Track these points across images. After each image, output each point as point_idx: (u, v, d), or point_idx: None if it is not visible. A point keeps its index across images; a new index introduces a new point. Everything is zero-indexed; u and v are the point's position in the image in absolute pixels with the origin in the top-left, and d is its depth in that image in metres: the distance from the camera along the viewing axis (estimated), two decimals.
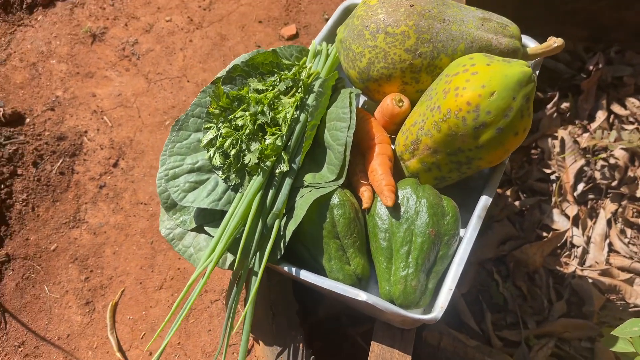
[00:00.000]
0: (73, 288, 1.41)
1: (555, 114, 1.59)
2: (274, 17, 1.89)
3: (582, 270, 1.37)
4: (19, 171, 1.56)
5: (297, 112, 0.88)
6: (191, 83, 1.75)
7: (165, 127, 1.67)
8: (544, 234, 1.40)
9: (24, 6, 1.95)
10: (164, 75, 1.77)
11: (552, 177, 1.49)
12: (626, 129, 1.56)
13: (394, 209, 0.81)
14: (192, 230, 0.86)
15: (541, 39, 1.77)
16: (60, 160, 1.59)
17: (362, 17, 0.92)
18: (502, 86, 0.74)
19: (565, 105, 1.59)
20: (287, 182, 0.83)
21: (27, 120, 1.67)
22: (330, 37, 1.10)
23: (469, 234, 0.81)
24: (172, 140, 0.87)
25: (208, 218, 0.85)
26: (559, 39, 0.93)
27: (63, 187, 1.56)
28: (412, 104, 0.93)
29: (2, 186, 1.52)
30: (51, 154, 1.60)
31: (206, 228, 0.84)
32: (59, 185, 1.56)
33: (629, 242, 1.42)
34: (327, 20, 1.87)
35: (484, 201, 0.83)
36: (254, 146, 0.82)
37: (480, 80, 0.75)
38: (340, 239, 0.81)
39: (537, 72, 0.97)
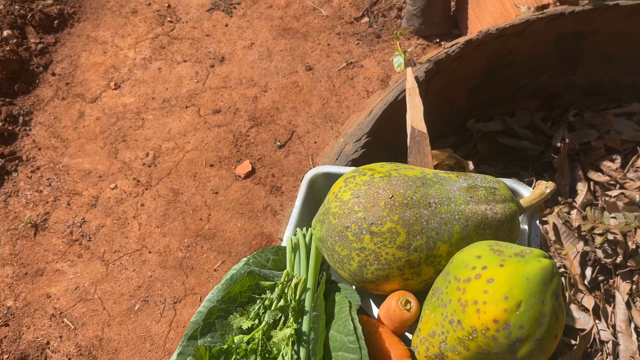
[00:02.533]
0: None
1: None
2: (224, 157, 1.79)
3: None
4: None
5: (295, 349, 0.75)
6: (153, 253, 1.60)
7: (135, 312, 1.50)
8: (572, 341, 1.29)
9: None
10: (122, 252, 1.61)
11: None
12: (610, 196, 1.52)
13: None
14: None
15: (497, 120, 1.74)
16: None
17: (339, 215, 0.82)
18: (527, 293, 0.65)
19: None
20: None
21: None
22: (303, 218, 1.00)
23: None
24: None
25: None
26: (550, 183, 0.86)
27: None
28: (418, 294, 0.82)
29: None
30: None
31: None
32: None
33: None
34: (280, 147, 1.79)
35: None
36: None
37: (500, 291, 0.65)
38: None
39: (538, 221, 0.89)
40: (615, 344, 1.31)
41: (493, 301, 0.65)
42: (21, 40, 2.13)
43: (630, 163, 1.59)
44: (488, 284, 0.67)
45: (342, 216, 0.81)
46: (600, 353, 1.31)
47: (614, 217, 1.41)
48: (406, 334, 0.86)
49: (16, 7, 2.20)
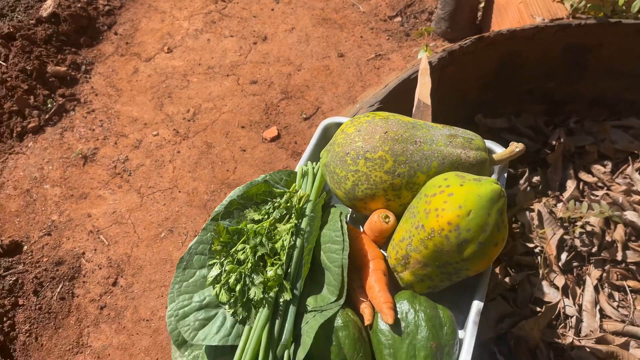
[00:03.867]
0: None
1: (528, 188, 1.69)
2: (255, 122, 2.01)
3: (579, 340, 1.41)
4: (21, 301, 1.58)
5: (293, 238, 0.94)
6: (182, 193, 1.82)
7: (161, 239, 1.72)
8: (538, 308, 1.45)
9: (14, 134, 2.05)
10: (156, 188, 1.84)
11: (536, 250, 1.56)
12: (596, 195, 1.67)
13: (395, 325, 0.86)
14: None
15: (504, 118, 1.91)
16: (60, 285, 1.62)
17: (342, 144, 1.01)
18: (477, 205, 0.83)
19: (536, 178, 1.70)
20: (292, 310, 0.88)
21: (25, 248, 1.71)
22: (314, 156, 1.20)
23: (468, 341, 0.86)
24: (179, 280, 0.92)
25: (219, 352, 0.89)
26: (520, 144, 1.04)
27: (64, 312, 1.57)
28: (397, 216, 1.00)
29: (5, 319, 1.53)
30: (51, 280, 1.63)
31: None
32: (61, 311, 1.57)
33: (618, 306, 1.47)
34: (305, 119, 2.00)
35: (477, 307, 0.89)
36: (257, 279, 0.88)
37: (456, 202, 0.84)
38: None
39: (505, 174, 1.06)
40: (579, 320, 1.46)
41: (449, 208, 0.84)
42: (91, 0, 2.41)
43: (620, 170, 1.74)
44: (448, 196, 0.85)
45: (344, 145, 1.01)
46: (563, 325, 1.46)
47: (596, 213, 1.56)
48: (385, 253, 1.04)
49: None
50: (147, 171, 1.89)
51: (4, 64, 2.09)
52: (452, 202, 0.84)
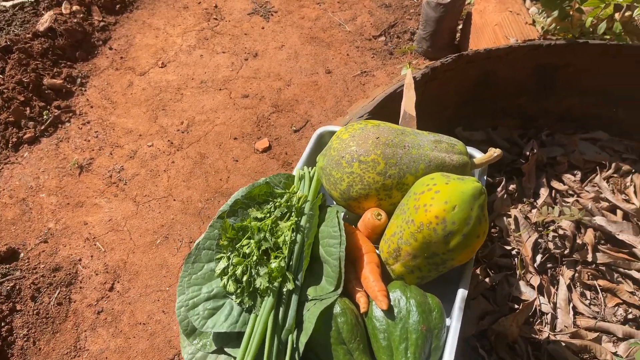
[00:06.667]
0: None
1: (505, 195, 1.81)
2: (247, 133, 2.10)
3: (554, 335, 1.51)
4: (18, 307, 1.61)
5: (294, 234, 1.03)
6: (177, 201, 1.89)
7: (156, 246, 1.77)
8: (516, 305, 1.55)
9: (10, 145, 2.09)
10: (151, 197, 1.90)
11: (513, 252, 1.67)
12: (567, 202, 1.80)
13: (389, 311, 0.95)
14: (213, 352, 0.96)
15: (481, 131, 2.03)
16: (57, 291, 1.66)
17: (337, 149, 1.11)
18: (461, 201, 0.93)
19: (512, 186, 1.82)
20: (294, 298, 0.96)
21: (22, 255, 1.74)
22: (309, 161, 1.29)
23: (454, 325, 0.95)
24: (188, 273, 0.99)
25: (226, 339, 0.96)
26: (497, 149, 1.15)
27: (62, 317, 1.61)
28: (389, 214, 1.10)
29: (3, 324, 1.56)
30: (48, 286, 1.67)
31: (226, 349, 0.95)
32: (58, 316, 1.61)
33: (589, 303, 1.59)
34: (295, 131, 2.10)
35: (461, 294, 0.99)
36: (263, 270, 0.96)
37: (442, 198, 0.93)
38: (346, 344, 0.93)
39: (485, 177, 1.17)
40: (554, 317, 1.57)
41: (436, 204, 0.94)
42: (87, 16, 2.49)
43: (589, 179, 1.87)
44: (435, 194, 0.95)
45: (340, 149, 1.10)
46: (539, 321, 1.56)
47: (567, 216, 1.68)
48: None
49: None
50: (142, 180, 1.95)
51: (0, 76, 2.14)
52: (439, 198, 0.94)
